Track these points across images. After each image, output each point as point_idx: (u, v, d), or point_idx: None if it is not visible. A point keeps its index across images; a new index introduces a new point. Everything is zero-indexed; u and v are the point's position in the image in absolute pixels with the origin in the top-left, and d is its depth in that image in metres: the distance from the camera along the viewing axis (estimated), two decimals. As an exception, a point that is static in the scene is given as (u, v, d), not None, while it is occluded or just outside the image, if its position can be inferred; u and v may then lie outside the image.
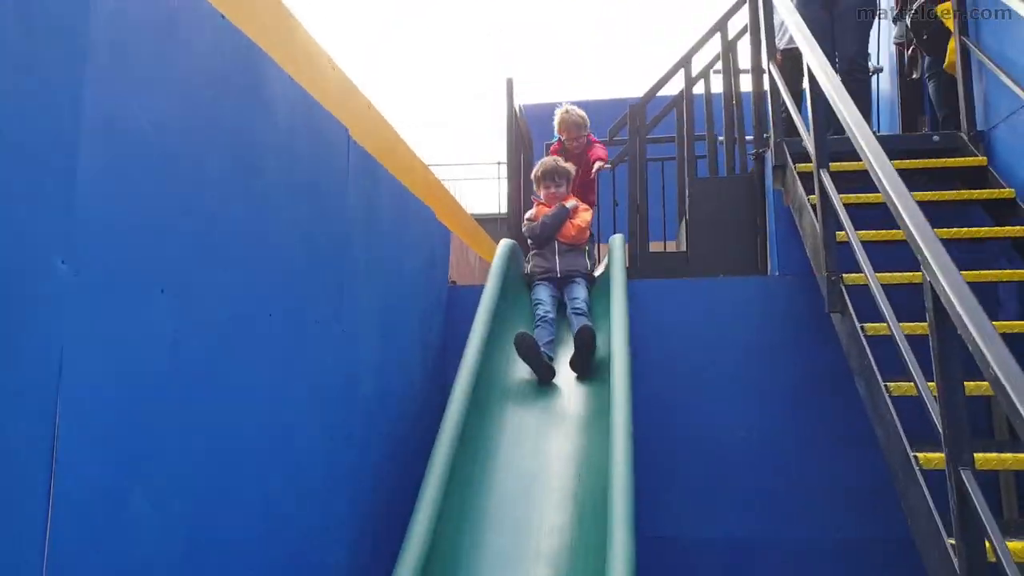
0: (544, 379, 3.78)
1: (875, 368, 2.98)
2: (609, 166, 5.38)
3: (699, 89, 5.21)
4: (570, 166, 4.69)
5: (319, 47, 3.52)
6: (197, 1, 2.02)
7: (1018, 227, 3.50)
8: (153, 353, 1.84)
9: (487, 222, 9.40)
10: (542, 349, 3.83)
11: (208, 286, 2.08)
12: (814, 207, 3.49)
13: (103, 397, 1.67)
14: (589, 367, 3.83)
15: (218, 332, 2.12)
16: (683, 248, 5.17)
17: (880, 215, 3.02)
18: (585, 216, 4.51)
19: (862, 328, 3.13)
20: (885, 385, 2.89)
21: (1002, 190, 3.70)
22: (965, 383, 2.25)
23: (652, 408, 4.14)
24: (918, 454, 2.60)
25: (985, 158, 3.93)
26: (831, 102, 3.19)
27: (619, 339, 3.56)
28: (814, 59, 3.42)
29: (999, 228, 3.55)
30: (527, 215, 4.62)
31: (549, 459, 3.22)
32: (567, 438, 3.35)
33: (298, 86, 2.57)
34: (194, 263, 2.02)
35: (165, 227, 1.91)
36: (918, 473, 2.59)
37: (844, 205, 3.13)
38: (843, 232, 3.06)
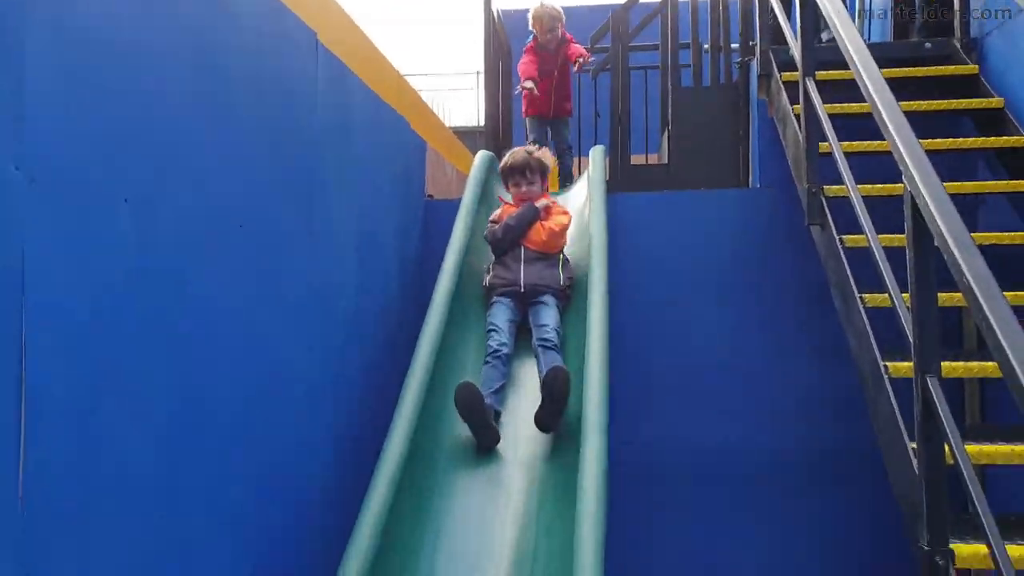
0: (485, 444, 2.93)
1: (851, 280, 2.99)
2: (592, 59, 5.19)
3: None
4: (546, 158, 3.92)
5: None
6: None
7: (1003, 137, 3.47)
8: (118, 262, 1.81)
9: (466, 135, 9.18)
10: (487, 401, 2.98)
11: (173, 196, 2.02)
12: (798, 117, 3.43)
13: (69, 304, 1.65)
14: (558, 422, 2.98)
15: (186, 242, 2.08)
16: (665, 160, 5.11)
17: (865, 126, 2.97)
18: (561, 219, 3.71)
19: (840, 240, 3.12)
20: (860, 297, 2.91)
21: (990, 99, 3.65)
22: (938, 294, 2.25)
23: (632, 320, 4.17)
24: (888, 363, 2.63)
25: (976, 66, 3.86)
26: (820, 6, 3.10)
27: (598, 259, 3.54)
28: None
29: (984, 139, 3.52)
30: (491, 217, 3.84)
31: (525, 369, 3.24)
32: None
33: (260, -14, 2.47)
34: (157, 172, 1.96)
35: (124, 134, 1.84)
36: (886, 381, 2.63)
37: (828, 115, 3.08)
38: (826, 143, 3.02)
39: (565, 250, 3.77)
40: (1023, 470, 2.58)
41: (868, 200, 2.81)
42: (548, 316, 3.37)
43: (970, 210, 3.83)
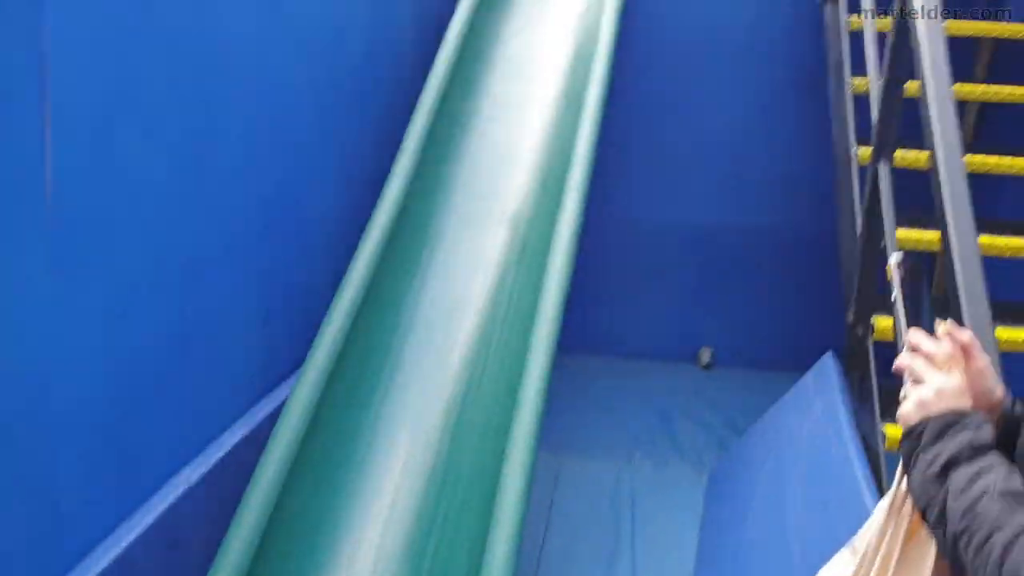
0: None
1: (847, 62, 3.05)
2: None
3: None
4: None
5: None
6: None
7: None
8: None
9: None
10: None
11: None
12: None
13: (86, 23, 1.80)
14: None
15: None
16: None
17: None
18: None
19: (847, 22, 3.14)
20: (850, 81, 2.98)
21: None
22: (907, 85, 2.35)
23: (644, 91, 4.26)
24: (858, 150, 2.77)
25: None
26: None
27: (607, 20, 3.57)
28: None
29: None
30: None
31: (524, 133, 3.40)
32: (546, 111, 3.50)
33: None
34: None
35: None
36: (854, 168, 2.78)
37: None
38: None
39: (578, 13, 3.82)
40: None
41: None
42: None
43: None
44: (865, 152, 2.69)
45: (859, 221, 2.60)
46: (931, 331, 1.03)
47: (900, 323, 1.58)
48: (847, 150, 2.85)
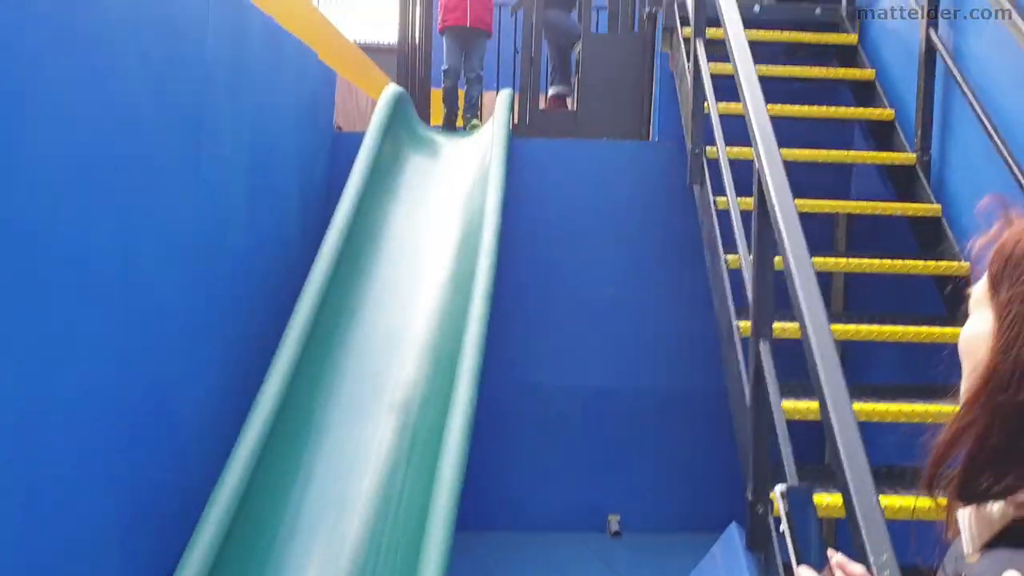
0: None
1: (719, 240, 3.17)
2: None
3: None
4: None
5: None
6: None
7: (869, 109, 3.65)
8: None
9: (382, 52, 8.83)
10: None
11: (29, 134, 2.04)
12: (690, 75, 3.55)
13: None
14: None
15: (49, 180, 2.10)
16: (574, 107, 5.20)
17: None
18: None
19: (715, 202, 3.29)
20: (725, 258, 3.09)
21: (864, 71, 3.81)
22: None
23: (531, 262, 4.32)
24: (739, 323, 2.83)
25: (856, 36, 4.01)
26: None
27: (492, 203, 3.65)
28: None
29: (848, 108, 3.69)
30: None
31: (413, 314, 3.37)
32: (435, 294, 3.49)
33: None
34: (11, 111, 1.97)
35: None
36: (737, 340, 2.83)
37: (721, 75, 3.17)
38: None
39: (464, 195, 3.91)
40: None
41: (746, 164, 2.96)
42: None
43: (845, 177, 4.04)
44: (746, 325, 2.74)
45: (747, 393, 2.62)
46: (821, 564, 0.99)
47: (790, 557, 1.56)
48: (729, 323, 2.90)
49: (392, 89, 4.43)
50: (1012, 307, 0.73)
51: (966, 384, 0.78)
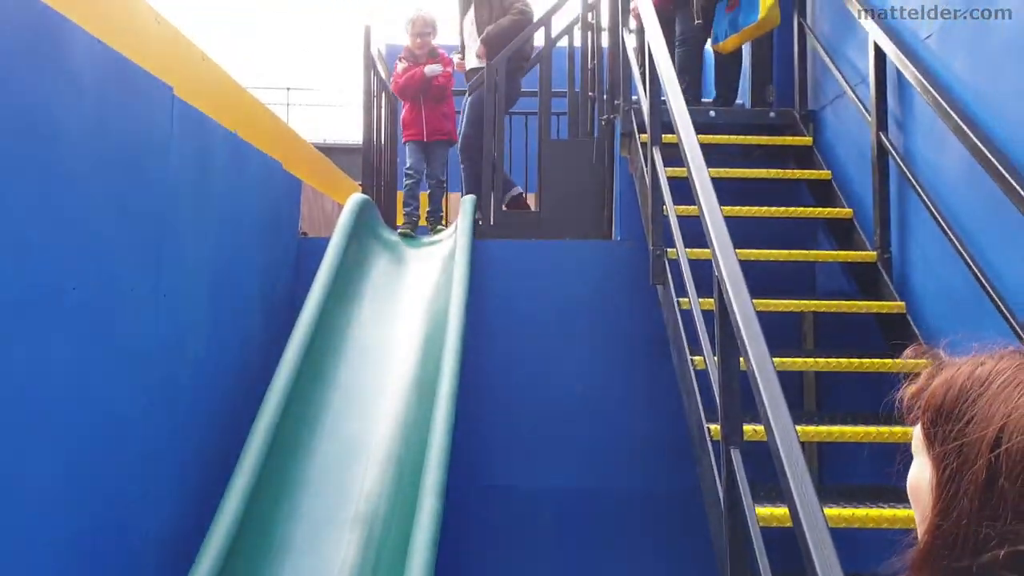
0: None
1: (685, 341, 3.16)
2: (449, 70, 5.24)
3: (566, 43, 5.23)
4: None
5: (142, 2, 3.36)
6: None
7: (827, 208, 3.73)
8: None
9: (351, 152, 8.97)
10: None
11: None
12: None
13: None
14: None
15: (5, 309, 2.06)
16: (537, 208, 5.27)
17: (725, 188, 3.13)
18: None
19: (678, 303, 3.30)
20: (692, 360, 3.08)
21: (820, 171, 3.92)
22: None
23: (498, 363, 4.28)
24: (709, 425, 2.80)
25: (811, 138, 4.14)
26: (658, 76, 3.28)
27: (455, 307, 3.64)
28: (651, 33, 3.50)
29: (808, 208, 3.78)
30: None
31: (378, 422, 3.30)
32: (398, 401, 3.43)
33: (107, 49, 2.47)
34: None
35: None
36: (709, 444, 2.80)
37: (677, 177, 3.23)
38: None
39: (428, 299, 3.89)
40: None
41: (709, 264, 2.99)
42: None
43: (810, 272, 4.10)
44: (716, 429, 2.71)
45: (721, 498, 2.57)
46: None
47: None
48: (700, 425, 2.87)
49: (356, 197, 4.47)
50: (948, 462, 0.70)
51: (918, 533, 0.74)
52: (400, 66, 5.17)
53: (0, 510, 2.05)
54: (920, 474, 0.75)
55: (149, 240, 2.82)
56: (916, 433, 0.77)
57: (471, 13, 5.32)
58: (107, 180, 2.54)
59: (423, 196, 5.23)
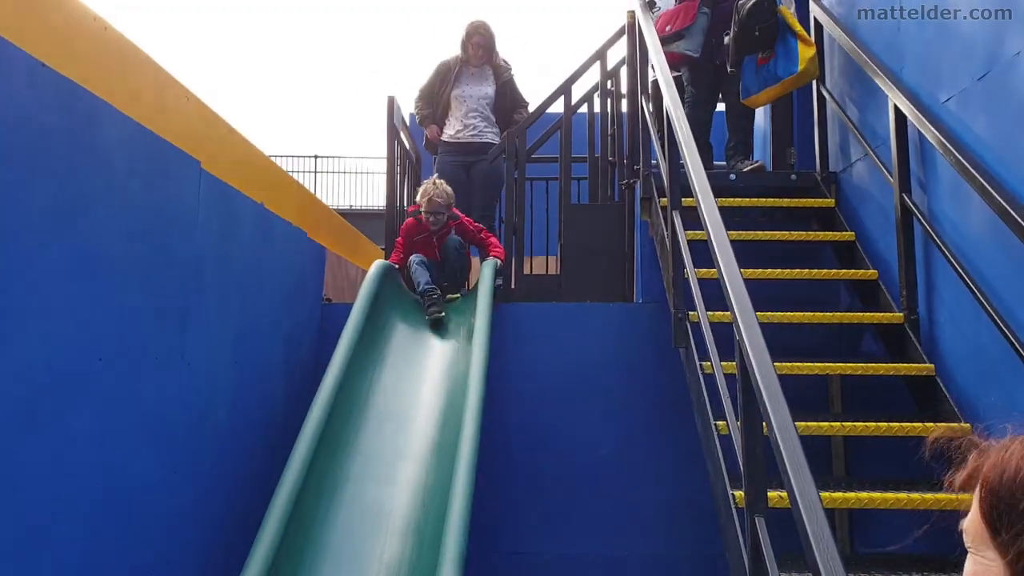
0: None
1: (708, 405, 3.12)
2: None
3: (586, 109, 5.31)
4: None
5: (170, 78, 3.48)
6: (6, 48, 1.99)
7: (853, 270, 3.70)
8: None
9: (375, 218, 8.96)
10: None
11: (22, 337, 2.05)
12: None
13: None
14: None
15: (36, 382, 2.10)
16: (558, 271, 5.29)
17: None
18: None
19: (701, 366, 3.26)
20: (715, 424, 3.04)
21: (844, 232, 3.90)
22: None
23: (521, 427, 4.25)
24: (734, 492, 2.75)
25: (833, 200, 4.14)
26: (676, 140, 3.31)
27: (476, 370, 3.63)
28: (669, 100, 3.54)
29: (828, 271, 3.75)
30: None
31: (398, 488, 3.27)
32: (418, 467, 3.40)
33: (137, 125, 2.56)
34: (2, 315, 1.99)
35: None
36: (734, 510, 2.74)
37: (699, 240, 3.23)
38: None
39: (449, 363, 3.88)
40: None
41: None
42: None
43: (836, 333, 4.04)
44: (741, 495, 2.66)
45: (747, 567, 2.50)
46: None
47: None
48: (724, 492, 2.82)
49: (379, 264, 4.51)
50: (1019, 549, 0.67)
51: None
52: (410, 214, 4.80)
53: (25, 571, 2.05)
54: (983, 571, 0.71)
55: (174, 311, 2.87)
56: (971, 527, 0.73)
57: (462, 89, 5.42)
58: (135, 253, 2.59)
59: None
